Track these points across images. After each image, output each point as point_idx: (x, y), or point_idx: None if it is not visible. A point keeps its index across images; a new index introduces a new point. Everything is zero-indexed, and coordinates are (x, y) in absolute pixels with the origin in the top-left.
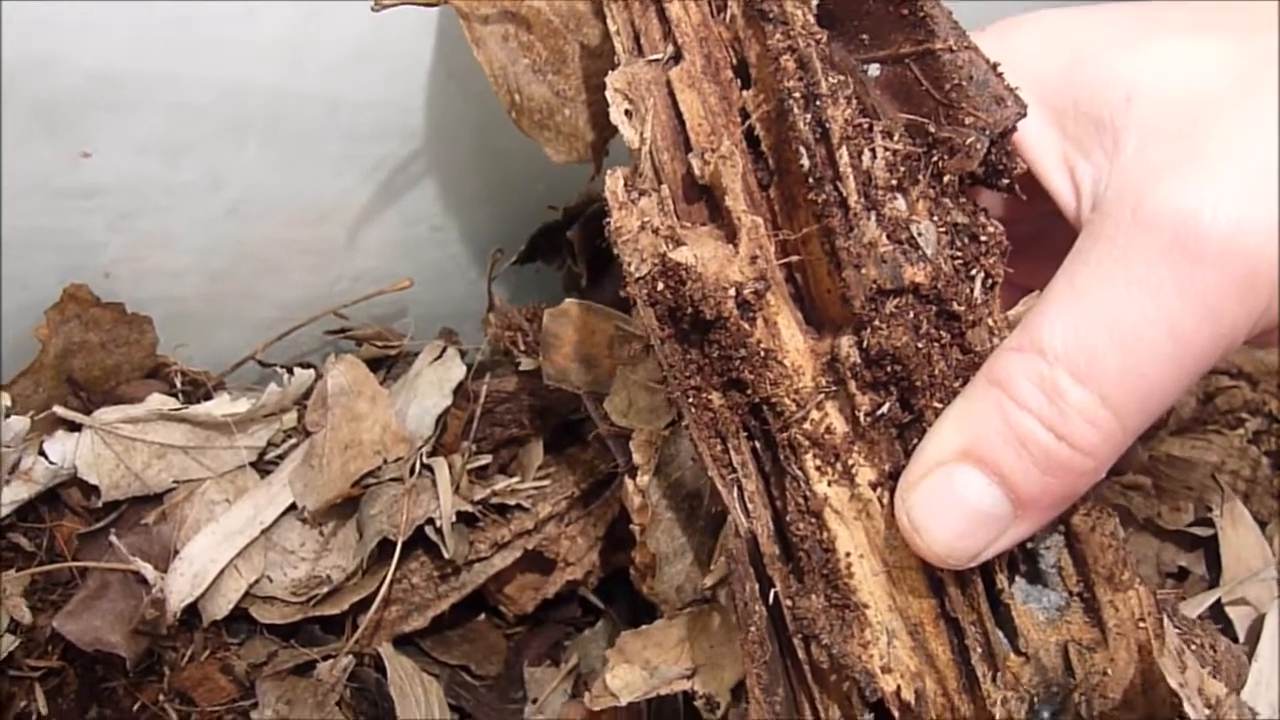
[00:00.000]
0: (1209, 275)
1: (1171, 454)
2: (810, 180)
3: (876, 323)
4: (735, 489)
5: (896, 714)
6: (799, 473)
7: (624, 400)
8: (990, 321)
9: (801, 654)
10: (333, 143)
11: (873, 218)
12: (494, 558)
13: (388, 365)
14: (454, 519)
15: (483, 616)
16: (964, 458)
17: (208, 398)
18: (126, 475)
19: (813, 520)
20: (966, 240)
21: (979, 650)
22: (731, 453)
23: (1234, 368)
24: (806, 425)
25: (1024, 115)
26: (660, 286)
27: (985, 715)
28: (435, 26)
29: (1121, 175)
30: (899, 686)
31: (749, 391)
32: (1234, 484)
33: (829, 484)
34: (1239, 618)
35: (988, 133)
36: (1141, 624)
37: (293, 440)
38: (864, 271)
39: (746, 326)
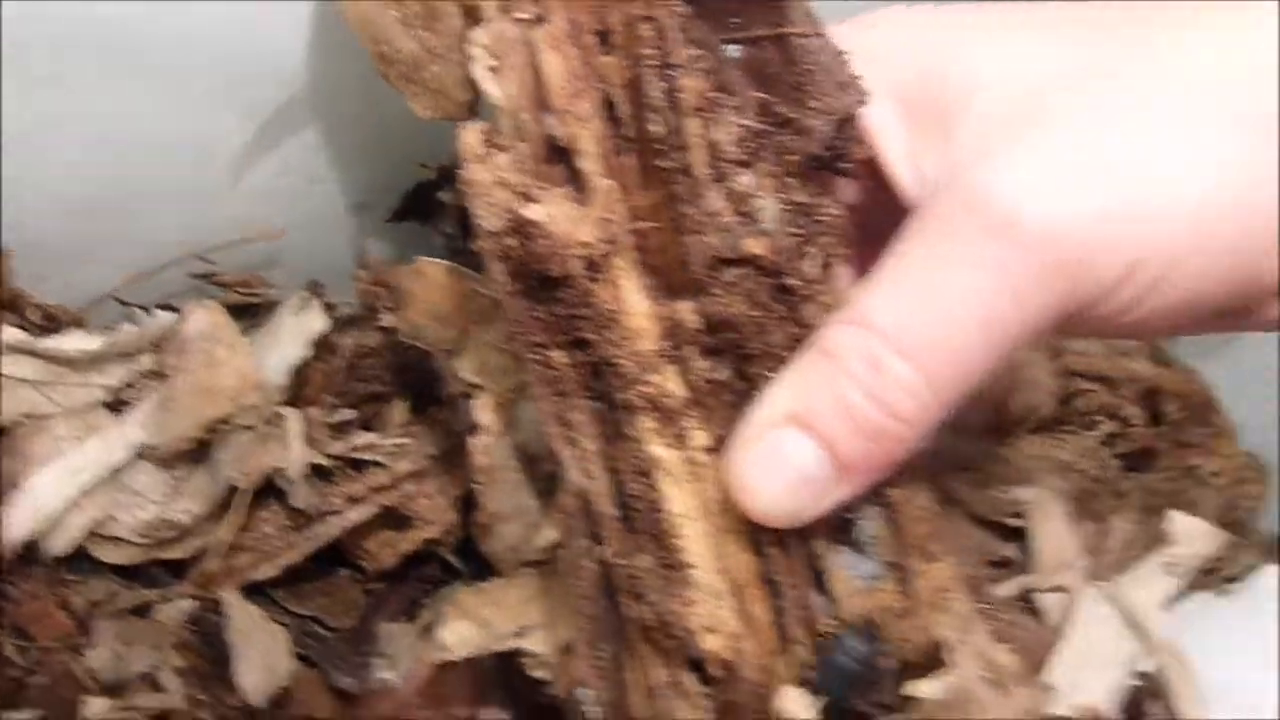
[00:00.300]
0: (1020, 259)
1: (1024, 452)
2: (660, 147)
3: (715, 290)
4: (573, 448)
5: (716, 672)
6: (635, 434)
7: (476, 358)
8: (825, 299)
9: (629, 612)
10: (206, 81)
11: (717, 189)
12: (349, 512)
13: (253, 314)
14: (305, 470)
15: (343, 572)
16: (791, 422)
17: (64, 332)
18: None
19: (646, 481)
20: (807, 219)
21: (796, 612)
22: (571, 411)
23: (1094, 371)
24: (645, 388)
25: (865, 103)
26: (510, 242)
27: (797, 675)
28: None
29: (952, 160)
30: (719, 645)
31: (591, 352)
32: (1080, 482)
33: (663, 446)
34: (1050, 606)
35: (831, 117)
36: (946, 595)
37: (150, 383)
38: (705, 239)
39: (592, 287)
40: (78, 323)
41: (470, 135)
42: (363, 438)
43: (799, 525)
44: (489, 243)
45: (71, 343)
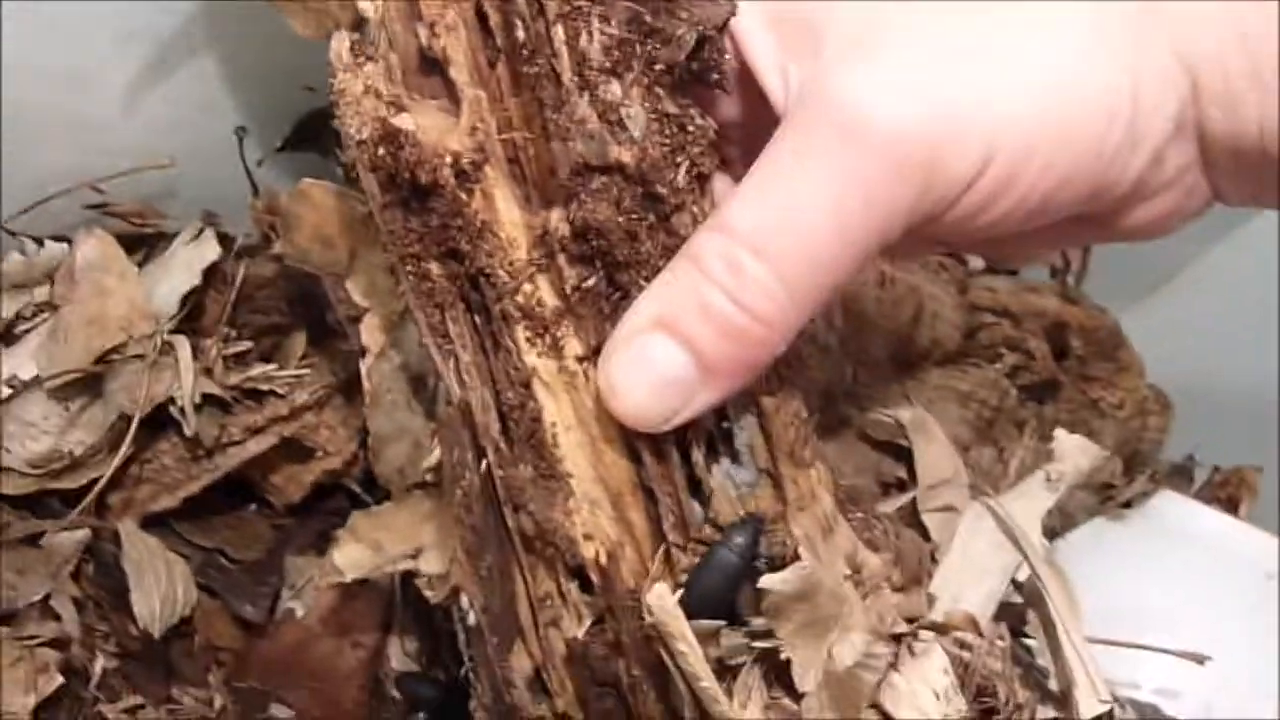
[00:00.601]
0: (868, 158)
1: (928, 383)
2: (525, 53)
3: (582, 196)
4: (451, 359)
5: (596, 579)
6: (510, 344)
7: (365, 280)
8: (694, 209)
9: (511, 523)
10: (93, 9)
11: (585, 97)
12: (248, 443)
13: (148, 245)
14: (199, 400)
15: (253, 507)
16: (657, 326)
17: None
18: None
19: (522, 390)
20: (675, 130)
21: (671, 518)
22: (449, 323)
23: (1000, 306)
24: (519, 298)
25: (733, 14)
26: (380, 151)
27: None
28: None
29: (813, 72)
30: (598, 553)
31: (466, 262)
32: (980, 412)
33: (538, 355)
34: (937, 524)
35: (700, 28)
36: (815, 500)
37: (44, 315)
38: (571, 146)
39: (464, 197)
40: None
41: (339, 45)
42: (260, 368)
43: (669, 429)
44: (359, 153)
45: None
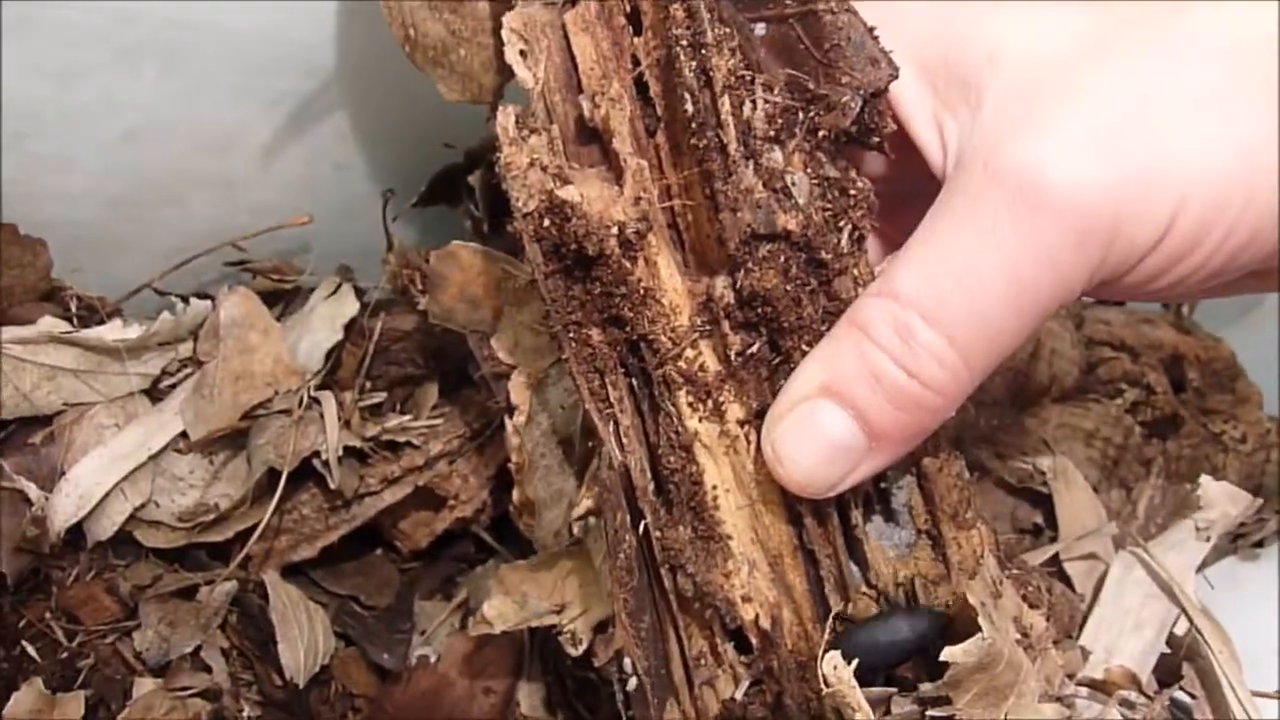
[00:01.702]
0: (1048, 226)
1: (1049, 421)
2: (693, 125)
3: (749, 265)
4: (611, 423)
5: (755, 641)
6: (672, 409)
7: (510, 339)
8: (855, 271)
9: (668, 583)
10: (232, 74)
11: (750, 165)
12: (384, 492)
13: (285, 300)
14: (341, 452)
15: (379, 552)
16: (825, 393)
17: (102, 323)
18: (15, 395)
19: (683, 454)
20: (837, 194)
21: (832, 581)
22: (609, 388)
23: (1117, 340)
24: (681, 363)
25: (895, 77)
26: (546, 223)
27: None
28: None
29: (979, 131)
30: (757, 615)
31: (627, 329)
32: (1105, 450)
33: (700, 420)
34: (1081, 572)
35: (861, 92)
36: (981, 561)
37: (187, 370)
38: (739, 215)
39: (628, 265)
40: (116, 313)
41: (505, 118)
42: (396, 420)
43: (834, 495)
44: (524, 224)
45: (111, 332)
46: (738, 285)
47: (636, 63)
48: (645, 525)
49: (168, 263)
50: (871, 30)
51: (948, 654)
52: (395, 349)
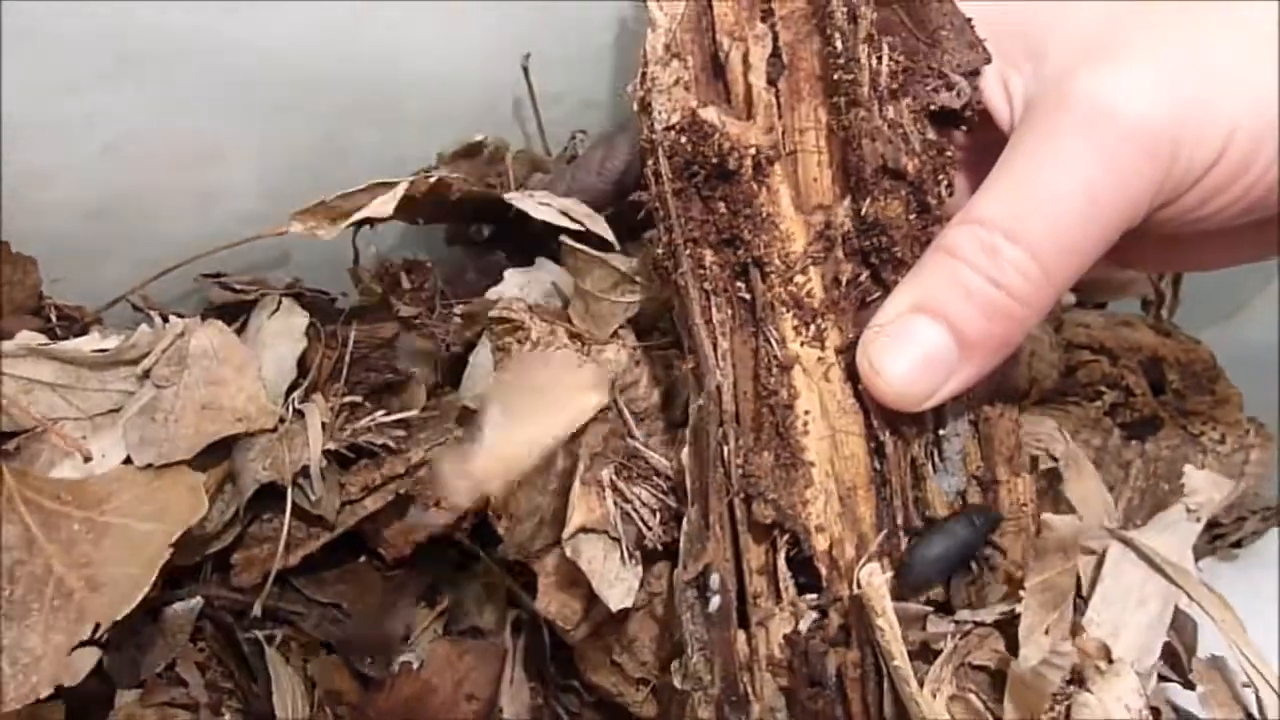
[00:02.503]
0: (1119, 148)
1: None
2: (840, 61)
3: (876, 194)
4: (713, 344)
5: (824, 571)
6: (775, 333)
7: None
8: (938, 228)
9: (740, 512)
10: (212, 86)
11: (880, 107)
12: (365, 500)
13: (246, 312)
14: (324, 462)
15: (361, 559)
16: (919, 309)
17: (82, 333)
18: None
19: (781, 377)
20: (936, 153)
21: (901, 514)
22: (713, 309)
23: (1096, 342)
24: (791, 287)
25: (989, 62)
26: (682, 139)
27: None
28: None
29: (1047, 76)
30: (831, 544)
31: (742, 251)
32: (1085, 452)
33: (802, 344)
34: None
35: (963, 72)
36: (1024, 508)
37: (164, 391)
38: (875, 145)
39: (755, 187)
40: (96, 321)
41: (655, 40)
42: (369, 417)
43: (926, 407)
44: (663, 138)
45: (89, 343)
46: (862, 212)
47: (767, 15)
48: (727, 452)
49: (147, 273)
50: (970, 21)
51: (1048, 518)
52: (374, 356)
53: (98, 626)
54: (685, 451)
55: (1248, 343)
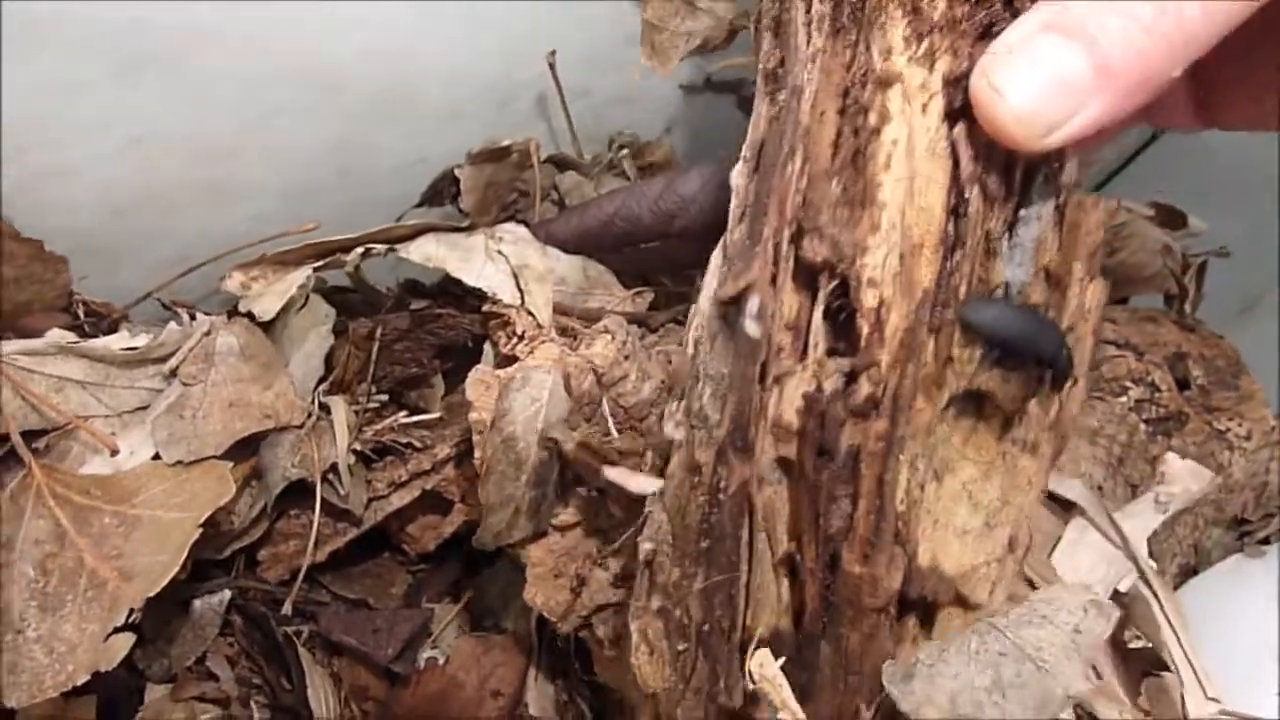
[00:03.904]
0: None
1: None
2: None
3: None
4: (806, 38)
5: (865, 330)
6: (882, 40)
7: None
8: None
9: (785, 249)
10: (232, 83)
11: None
12: (391, 496)
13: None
14: (351, 460)
15: (386, 555)
16: (1053, 29)
17: (111, 330)
18: (23, 407)
19: (875, 95)
20: None
21: (962, 289)
22: (814, 1)
23: (1121, 338)
24: None
25: None
26: None
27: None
28: None
29: None
30: (879, 304)
31: None
32: (1110, 448)
33: (908, 60)
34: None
35: None
36: (1087, 315)
37: (192, 388)
38: None
39: None
40: (124, 318)
41: None
42: (393, 418)
43: (1047, 143)
44: None
45: (118, 342)
46: None
47: None
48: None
49: (172, 271)
50: None
51: None
52: (398, 348)
53: (131, 611)
54: (737, 169)
55: (1267, 336)
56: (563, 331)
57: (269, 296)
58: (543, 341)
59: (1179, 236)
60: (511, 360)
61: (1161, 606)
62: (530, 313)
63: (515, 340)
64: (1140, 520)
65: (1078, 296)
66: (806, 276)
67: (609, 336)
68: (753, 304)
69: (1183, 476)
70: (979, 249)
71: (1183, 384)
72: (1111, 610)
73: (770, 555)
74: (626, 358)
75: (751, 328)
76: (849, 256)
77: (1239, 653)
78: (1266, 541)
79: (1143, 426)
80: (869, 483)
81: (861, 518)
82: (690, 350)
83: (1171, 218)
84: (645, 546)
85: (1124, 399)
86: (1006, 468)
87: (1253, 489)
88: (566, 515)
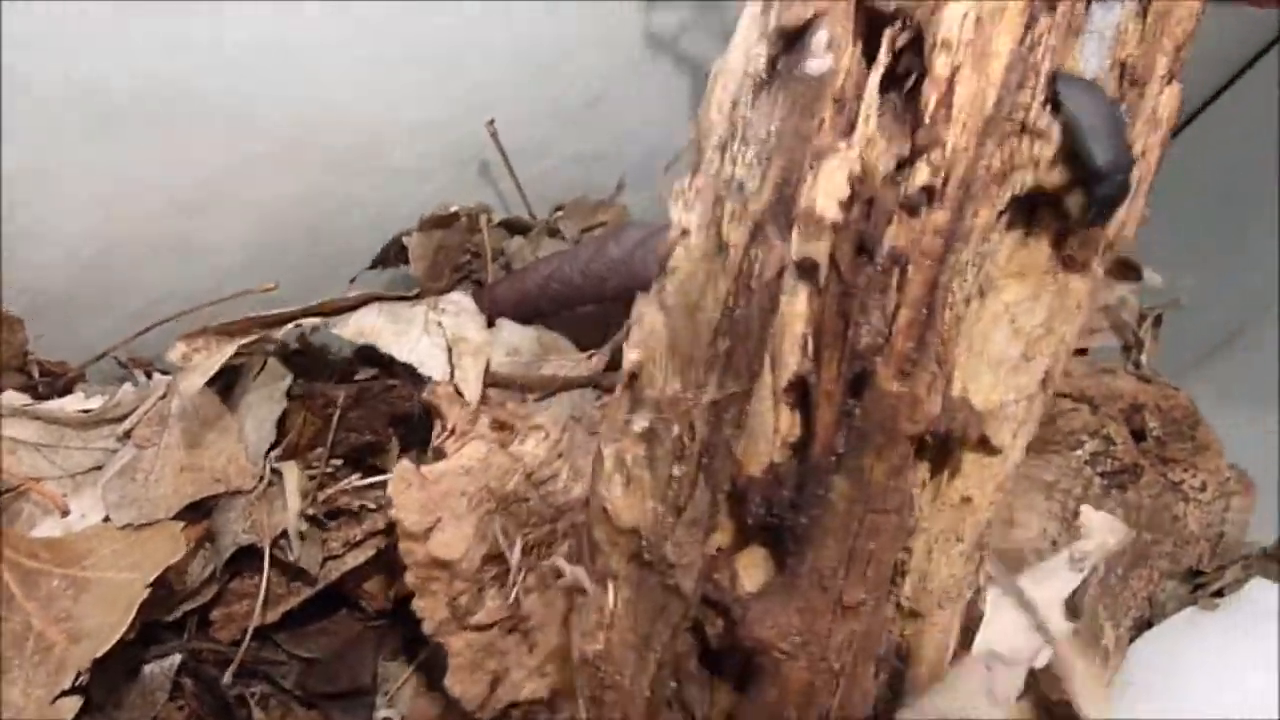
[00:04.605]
0: None
1: None
2: None
3: None
4: None
5: (930, 101)
6: None
7: None
8: None
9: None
10: (199, 139)
11: None
12: (346, 556)
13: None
14: (304, 527)
15: (343, 612)
16: None
17: (66, 391)
18: None
19: None
20: None
21: (1045, 64)
22: None
23: (1077, 391)
24: None
25: None
26: None
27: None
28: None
29: None
30: (952, 73)
31: None
32: (1065, 502)
33: None
34: None
35: None
36: (1162, 122)
37: (145, 450)
38: None
39: None
40: (79, 378)
41: None
42: (345, 482)
43: None
44: None
45: (72, 404)
46: None
47: None
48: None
49: (134, 327)
50: None
51: None
52: (351, 416)
53: (78, 674)
54: None
55: (1228, 385)
56: (499, 426)
57: (195, 374)
58: (471, 439)
59: (1135, 289)
60: (440, 455)
61: (1077, 685)
62: (458, 390)
63: (445, 434)
64: (1055, 582)
65: (1155, 98)
66: (865, 29)
67: (543, 434)
68: (820, 37)
69: (1100, 530)
70: (1064, 21)
71: (1139, 435)
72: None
73: (771, 379)
74: (560, 455)
75: (816, 65)
76: (927, 6)
77: (1193, 707)
78: (1220, 594)
79: (1098, 480)
80: (916, 288)
81: (903, 329)
82: (707, 111)
83: (1126, 271)
84: (631, 356)
85: (1079, 452)
86: (1057, 288)
87: (1208, 540)
88: (481, 616)
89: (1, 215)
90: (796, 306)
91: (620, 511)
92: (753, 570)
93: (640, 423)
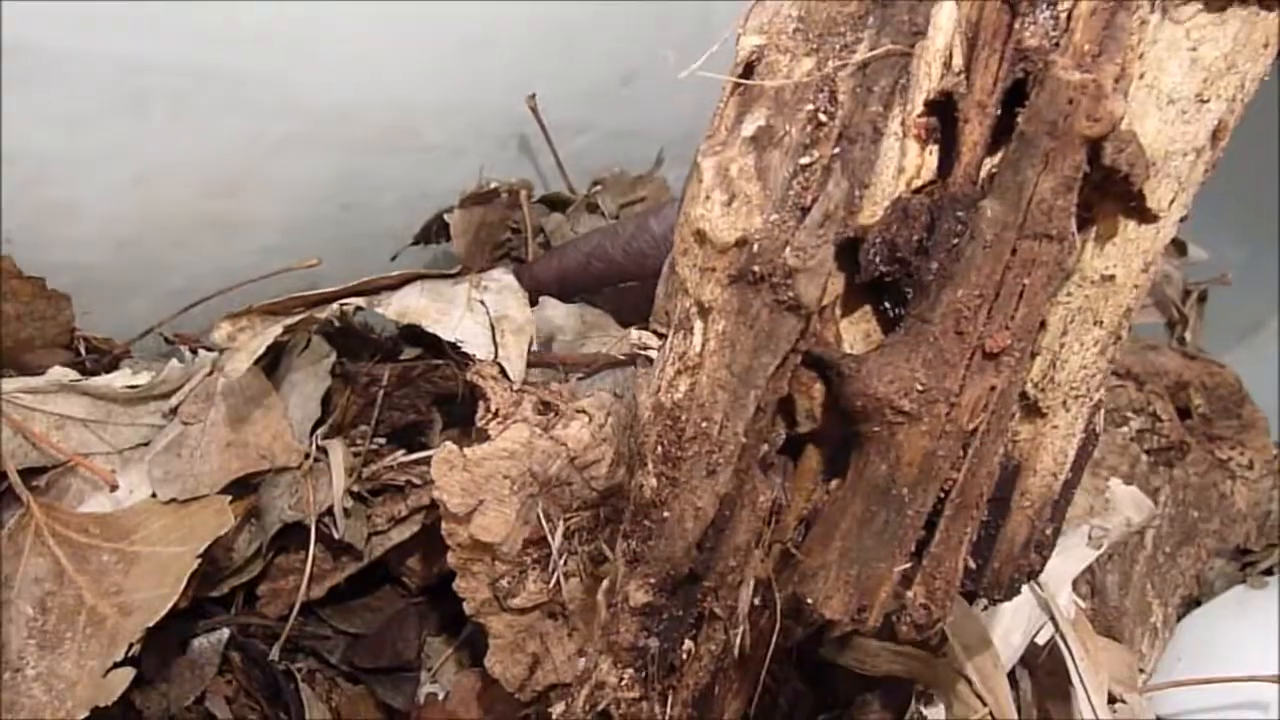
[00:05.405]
0: None
1: None
2: None
3: None
4: None
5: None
6: None
7: None
8: None
9: None
10: (237, 118)
11: None
12: (391, 532)
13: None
14: (349, 503)
15: (387, 587)
16: None
17: (113, 367)
18: (24, 445)
19: None
20: None
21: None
22: None
23: (1122, 368)
24: None
25: None
26: None
27: None
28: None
29: None
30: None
31: None
32: (1110, 479)
33: None
34: None
35: None
36: None
37: (191, 427)
38: None
39: None
40: (125, 354)
41: None
42: (390, 457)
43: None
44: None
45: (119, 379)
46: None
47: None
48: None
49: (175, 304)
50: None
51: None
52: (396, 395)
53: (130, 645)
54: None
55: (1268, 361)
56: (542, 408)
57: (242, 354)
58: (514, 422)
59: (1179, 265)
60: (485, 436)
61: (1076, 665)
62: (502, 367)
63: (489, 416)
64: (1067, 561)
65: None
66: None
67: (586, 418)
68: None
69: (1124, 505)
70: None
71: (1184, 413)
72: None
73: (901, 109)
74: (603, 441)
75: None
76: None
77: (1240, 684)
78: (1270, 572)
79: (1144, 457)
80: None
81: (1084, 17)
82: None
83: (1171, 246)
84: (750, 42)
85: (1125, 429)
86: (1246, 15)
87: (1255, 519)
88: (522, 598)
89: (40, 195)
90: (942, 15)
91: (716, 227)
92: (854, 335)
93: (754, 123)
